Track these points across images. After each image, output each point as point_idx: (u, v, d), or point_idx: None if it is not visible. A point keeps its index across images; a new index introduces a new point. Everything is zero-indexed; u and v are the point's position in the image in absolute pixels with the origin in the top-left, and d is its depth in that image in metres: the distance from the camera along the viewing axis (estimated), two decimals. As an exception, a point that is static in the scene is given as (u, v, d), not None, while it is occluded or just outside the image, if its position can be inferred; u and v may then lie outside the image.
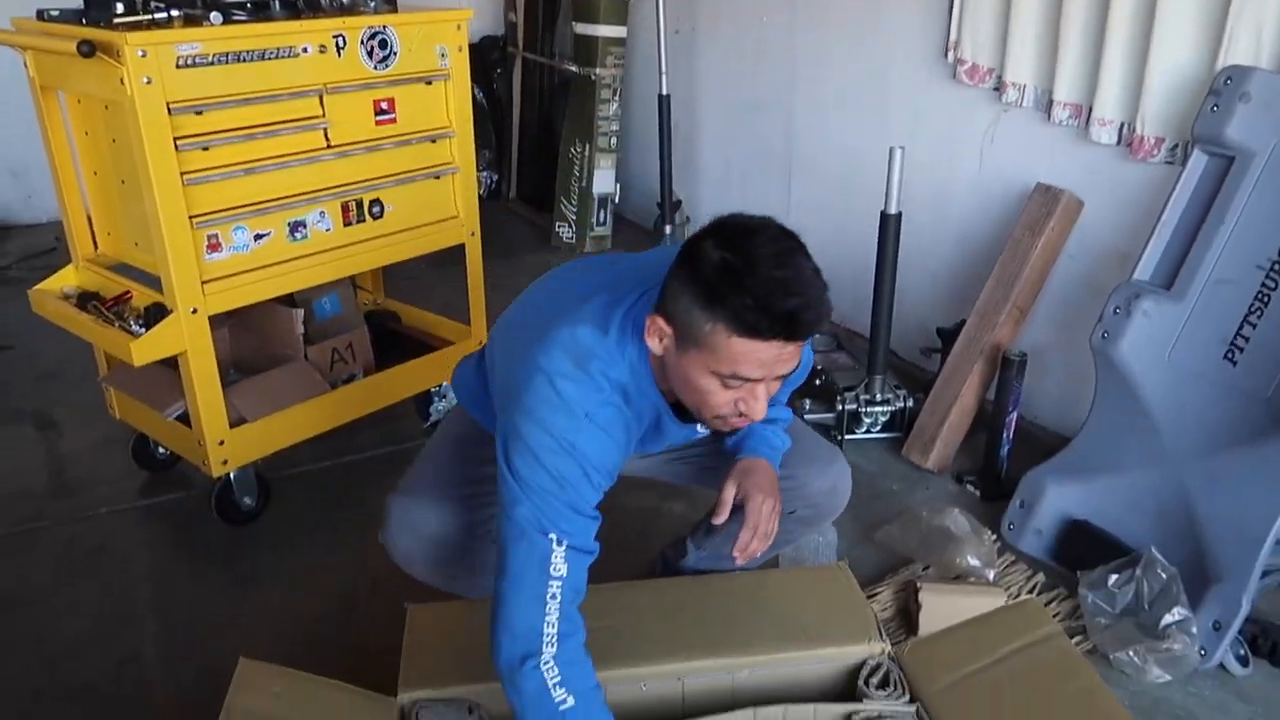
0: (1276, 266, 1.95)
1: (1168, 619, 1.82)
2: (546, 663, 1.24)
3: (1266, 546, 1.85)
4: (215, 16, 2.02)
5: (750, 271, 1.16)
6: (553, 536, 1.25)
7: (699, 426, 1.47)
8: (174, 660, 1.94)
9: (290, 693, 1.43)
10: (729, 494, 1.50)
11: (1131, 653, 1.82)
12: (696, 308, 1.20)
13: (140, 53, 1.87)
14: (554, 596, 1.25)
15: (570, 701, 1.24)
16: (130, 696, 1.84)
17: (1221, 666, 1.85)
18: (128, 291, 2.20)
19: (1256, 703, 1.80)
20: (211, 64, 2.00)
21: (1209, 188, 2.10)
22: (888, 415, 2.67)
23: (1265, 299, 1.96)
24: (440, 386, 2.69)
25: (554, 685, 1.24)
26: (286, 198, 2.18)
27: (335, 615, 2.05)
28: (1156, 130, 2.28)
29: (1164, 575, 1.87)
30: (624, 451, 1.38)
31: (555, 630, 1.25)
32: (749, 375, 1.22)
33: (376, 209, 2.36)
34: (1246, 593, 1.84)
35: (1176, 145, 2.27)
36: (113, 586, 2.15)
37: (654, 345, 1.27)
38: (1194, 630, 1.81)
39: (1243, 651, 1.88)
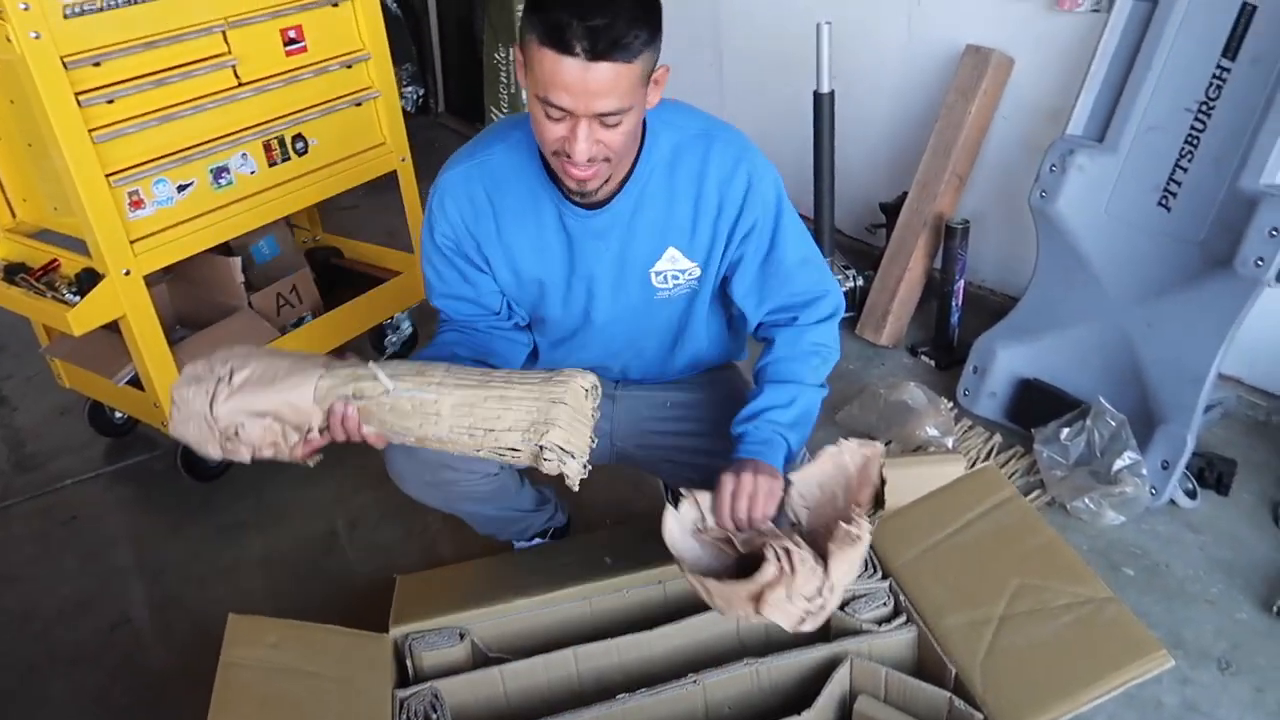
0: (1204, 108, 1.97)
1: (1119, 464, 1.90)
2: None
3: (1207, 384, 1.93)
4: (98, -42, 1.90)
5: None
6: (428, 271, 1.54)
7: (655, 276, 1.47)
8: (165, 620, 1.96)
9: (286, 642, 1.46)
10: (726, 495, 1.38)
11: (1087, 500, 1.91)
12: (526, 19, 1.22)
13: (23, 6, 1.76)
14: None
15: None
16: (125, 660, 1.87)
17: (1172, 502, 1.95)
18: (55, 259, 2.13)
19: (1205, 531, 1.90)
20: (102, 9, 1.89)
21: (1135, 34, 2.10)
22: (839, 296, 2.69)
23: (1194, 142, 1.98)
24: (393, 318, 2.67)
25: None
26: (205, 143, 2.10)
27: (317, 556, 2.09)
28: (1082, -22, 2.25)
29: (1113, 423, 1.94)
30: (473, 214, 1.44)
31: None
32: (559, 102, 1.21)
33: (300, 145, 2.29)
34: (1191, 430, 1.92)
35: (1102, -8, 2.25)
36: (93, 554, 2.16)
37: (521, 79, 1.30)
38: (1144, 472, 1.89)
39: (1190, 485, 1.98)
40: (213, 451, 1.30)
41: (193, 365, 1.30)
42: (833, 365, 1.53)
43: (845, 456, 1.42)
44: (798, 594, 1.24)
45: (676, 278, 1.48)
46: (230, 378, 1.26)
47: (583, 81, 1.19)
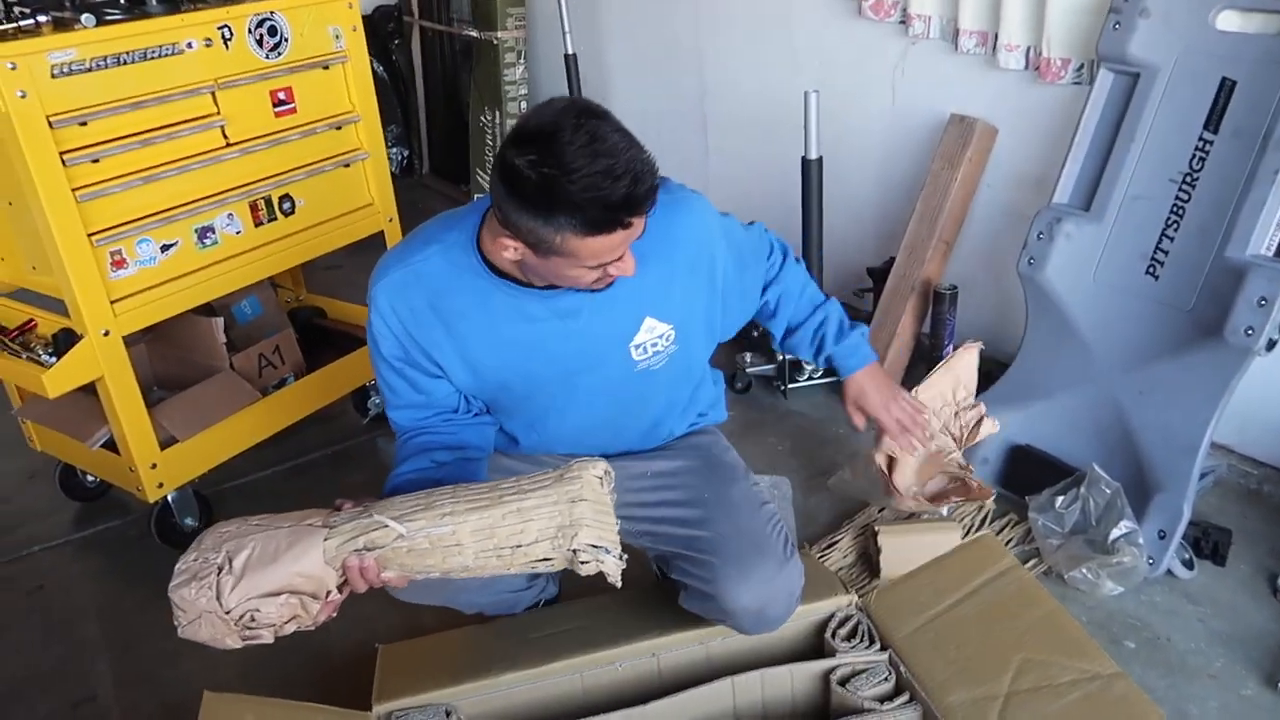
0: (1188, 179, 1.99)
1: (1115, 533, 1.87)
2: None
3: (1200, 453, 1.92)
4: (87, 19, 1.89)
5: (568, 177, 1.14)
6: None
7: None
8: (132, 697, 1.88)
9: (262, 722, 1.39)
10: (858, 421, 1.75)
11: (1084, 570, 1.88)
12: (538, 225, 1.18)
13: (10, 65, 1.75)
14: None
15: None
16: (91, 740, 1.79)
17: (1169, 572, 1.93)
18: (31, 319, 2.08)
19: (1204, 603, 1.88)
20: (90, 70, 1.88)
21: (1118, 106, 2.13)
22: (828, 360, 2.69)
23: (1180, 211, 2.01)
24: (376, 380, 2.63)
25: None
26: (190, 203, 2.08)
27: (296, 628, 2.01)
28: (1062, 52, 2.30)
29: (1108, 490, 1.92)
30: (415, 322, 1.39)
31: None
32: (612, 259, 1.24)
33: (287, 205, 2.27)
34: (1187, 500, 1.90)
35: (1083, 65, 2.29)
36: (58, 626, 2.07)
37: (509, 256, 1.27)
38: (1141, 542, 1.87)
39: (1187, 555, 1.95)
40: (232, 644, 1.21)
41: (183, 560, 1.22)
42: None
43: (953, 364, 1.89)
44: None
45: (655, 344, 1.46)
46: (230, 564, 1.19)
47: (631, 234, 1.22)
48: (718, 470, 1.58)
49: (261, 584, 1.18)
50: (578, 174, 1.13)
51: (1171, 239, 2.01)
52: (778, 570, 1.45)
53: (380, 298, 1.39)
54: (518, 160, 1.16)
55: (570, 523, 1.19)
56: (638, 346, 1.44)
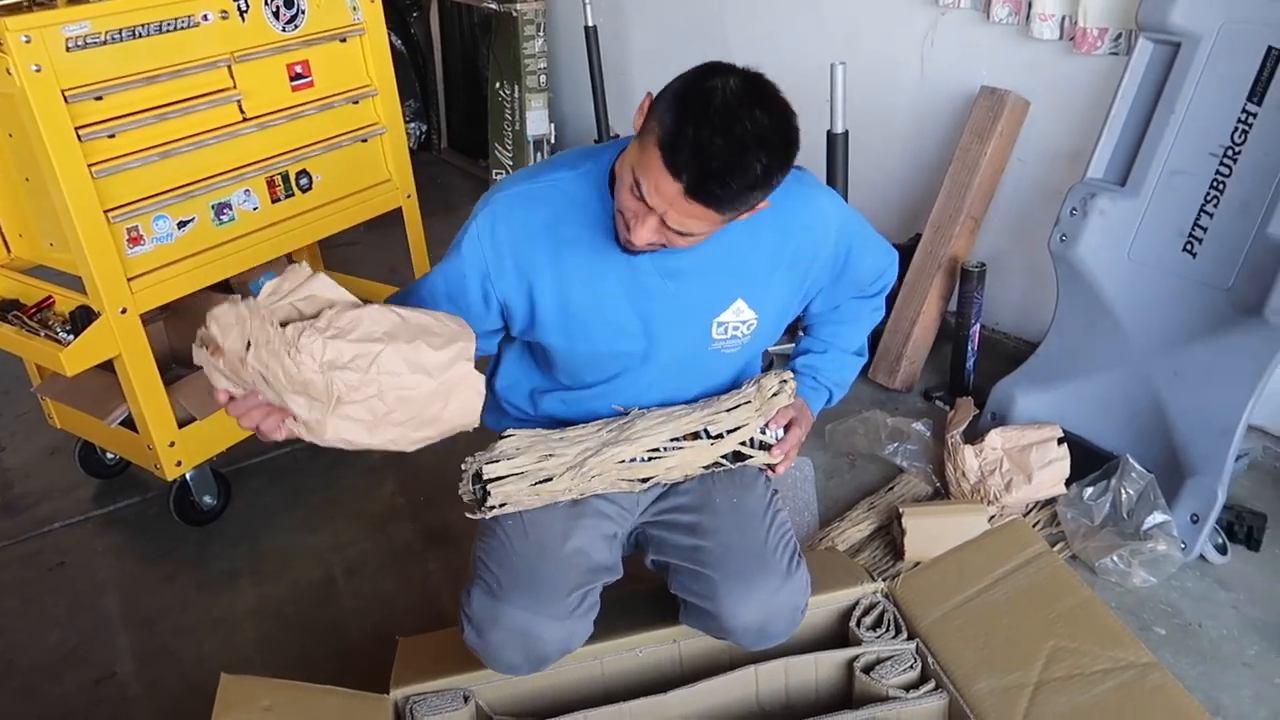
0: (1229, 152, 1.93)
1: (1149, 522, 1.83)
2: None
3: (1237, 436, 1.87)
4: (102, -10, 1.86)
5: (707, 108, 1.13)
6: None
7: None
8: (154, 673, 1.88)
9: (281, 705, 1.37)
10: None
11: (1116, 558, 1.84)
12: (661, 106, 1.17)
13: (24, 38, 1.72)
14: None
15: None
16: (111, 717, 1.78)
17: (1202, 557, 1.88)
18: (49, 296, 2.07)
19: (1237, 589, 1.83)
20: (105, 43, 1.85)
21: (1156, 77, 2.07)
22: (852, 338, 2.65)
23: (1220, 187, 1.94)
24: (394, 357, 2.60)
25: None
26: (206, 179, 2.06)
27: (313, 606, 2.01)
28: (1099, 21, 2.22)
29: (1141, 481, 1.88)
30: (527, 237, 1.33)
31: None
32: (644, 192, 1.19)
33: (304, 181, 2.24)
34: (1222, 483, 1.86)
35: (1121, 35, 2.22)
36: (80, 602, 2.08)
37: (636, 120, 1.23)
38: (1174, 533, 1.82)
39: (1220, 540, 1.91)
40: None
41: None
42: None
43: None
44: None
45: (736, 329, 1.42)
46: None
47: (673, 201, 1.17)
48: (736, 473, 1.50)
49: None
50: (713, 116, 1.13)
51: (1211, 215, 1.95)
52: (780, 585, 1.39)
53: (499, 207, 1.34)
54: (722, 72, 1.17)
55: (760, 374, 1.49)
56: (720, 325, 1.41)
